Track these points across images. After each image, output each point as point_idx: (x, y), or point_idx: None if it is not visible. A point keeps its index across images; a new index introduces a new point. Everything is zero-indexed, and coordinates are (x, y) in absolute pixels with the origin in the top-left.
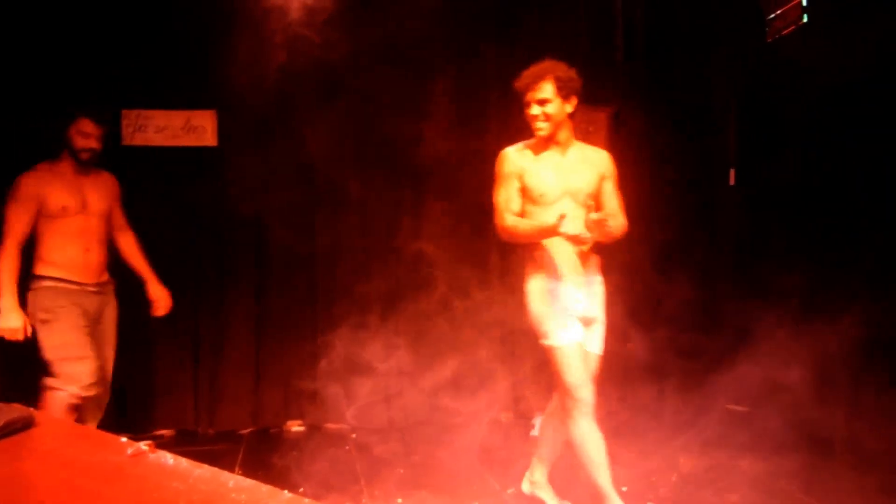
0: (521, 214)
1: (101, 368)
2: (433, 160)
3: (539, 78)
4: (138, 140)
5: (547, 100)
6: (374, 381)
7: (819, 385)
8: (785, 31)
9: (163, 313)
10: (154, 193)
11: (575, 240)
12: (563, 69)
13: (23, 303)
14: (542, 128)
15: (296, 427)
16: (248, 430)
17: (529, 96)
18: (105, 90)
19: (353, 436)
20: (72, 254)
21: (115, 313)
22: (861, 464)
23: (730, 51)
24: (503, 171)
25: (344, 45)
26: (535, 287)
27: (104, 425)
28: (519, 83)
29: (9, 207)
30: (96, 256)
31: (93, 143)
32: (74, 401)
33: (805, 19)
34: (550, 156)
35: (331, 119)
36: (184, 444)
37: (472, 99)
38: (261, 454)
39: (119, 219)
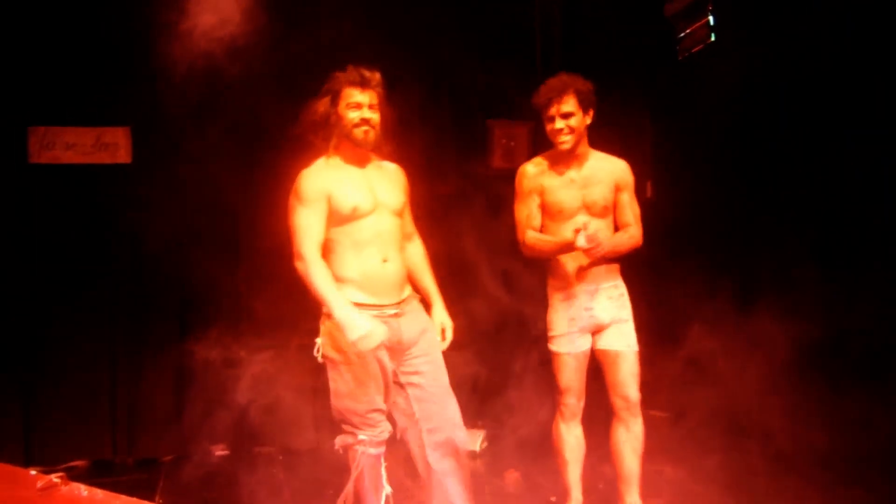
0: (542, 229)
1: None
2: None
3: (562, 92)
4: (46, 158)
5: (570, 113)
6: (302, 403)
7: (740, 390)
8: (694, 50)
9: (446, 347)
10: (64, 215)
11: (589, 253)
12: (581, 82)
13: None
14: (566, 141)
15: (220, 451)
16: (170, 457)
17: (553, 110)
18: (9, 105)
19: (280, 458)
20: (367, 266)
21: (430, 335)
22: (779, 465)
23: (644, 65)
24: (523, 187)
25: (266, 60)
26: (551, 296)
27: (7, 458)
28: (539, 98)
29: (291, 212)
30: (395, 267)
31: (367, 114)
32: (374, 452)
33: (713, 38)
34: (567, 170)
35: (254, 135)
36: (100, 474)
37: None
38: (183, 482)
39: (408, 222)
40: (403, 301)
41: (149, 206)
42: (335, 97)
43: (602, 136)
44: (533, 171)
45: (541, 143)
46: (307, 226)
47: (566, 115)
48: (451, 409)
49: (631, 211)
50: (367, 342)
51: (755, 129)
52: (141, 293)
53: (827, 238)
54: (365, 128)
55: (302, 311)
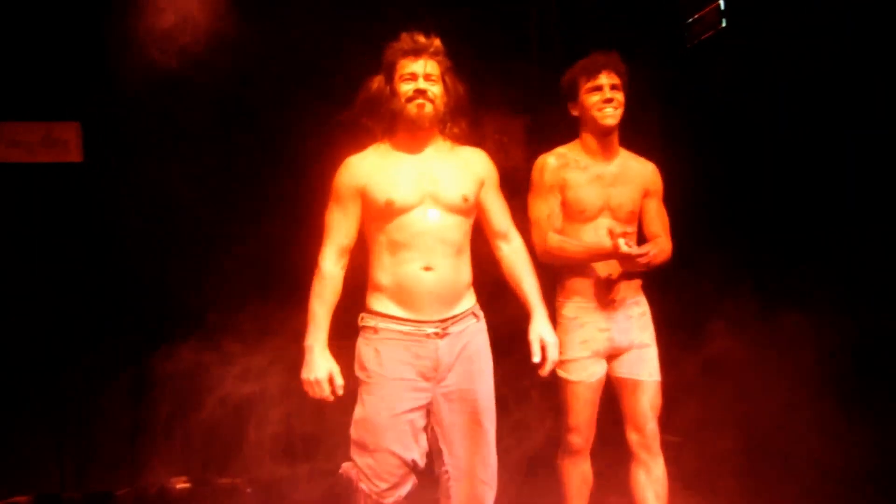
0: (560, 232)
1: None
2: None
3: (611, 62)
4: None
5: (619, 86)
6: (273, 429)
7: (761, 406)
8: (703, 36)
9: (548, 371)
10: (7, 219)
11: (635, 262)
12: (622, 64)
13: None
14: (612, 115)
15: (180, 484)
16: (124, 491)
17: (602, 79)
18: None
19: (249, 490)
20: (401, 273)
21: (473, 366)
22: (806, 490)
23: (648, 56)
24: (544, 181)
25: (229, 54)
26: (559, 312)
27: None
28: (585, 66)
29: (327, 208)
30: (440, 276)
31: (422, 85)
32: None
33: (724, 23)
34: (594, 164)
35: (217, 132)
36: None
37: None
38: None
39: (497, 218)
40: (451, 319)
41: (101, 210)
42: (389, 71)
43: None
44: (555, 163)
45: (536, 142)
46: (330, 227)
47: (616, 87)
48: (477, 460)
49: (660, 220)
50: (309, 389)
51: (770, 122)
52: (92, 307)
53: (852, 234)
54: (419, 101)
55: (273, 325)
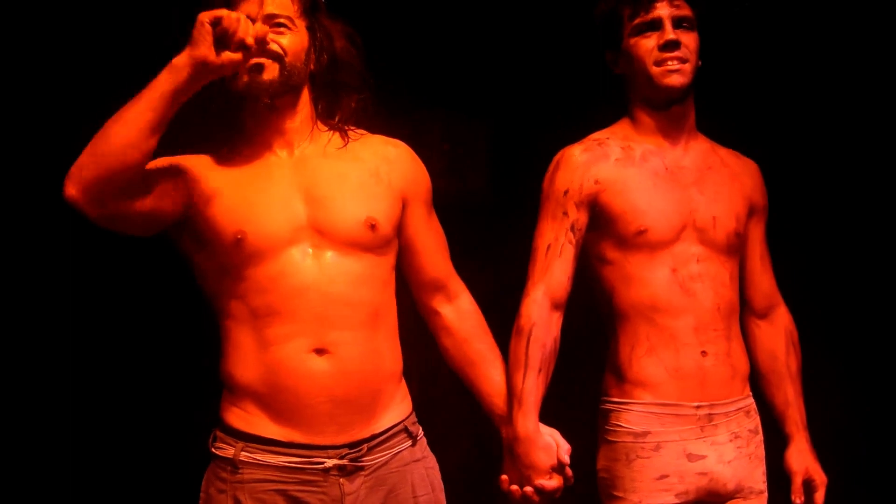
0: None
1: None
2: None
3: None
4: None
5: (686, 19)
6: None
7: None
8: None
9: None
10: None
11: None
12: None
13: None
14: (680, 71)
15: None
16: None
17: (660, 9)
18: None
19: None
20: (278, 362)
21: None
22: None
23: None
24: (553, 189)
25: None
26: (615, 415)
27: None
28: None
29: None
30: (348, 365)
31: (257, 30)
32: None
33: None
34: (657, 152)
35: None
36: None
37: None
38: None
39: (429, 259)
40: (367, 442)
41: None
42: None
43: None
44: (580, 157)
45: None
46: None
47: (685, 24)
48: None
49: (769, 270)
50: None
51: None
52: None
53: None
54: (256, 62)
55: None
